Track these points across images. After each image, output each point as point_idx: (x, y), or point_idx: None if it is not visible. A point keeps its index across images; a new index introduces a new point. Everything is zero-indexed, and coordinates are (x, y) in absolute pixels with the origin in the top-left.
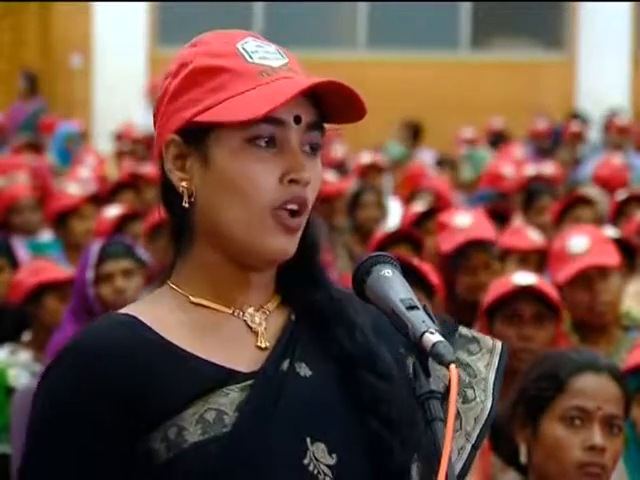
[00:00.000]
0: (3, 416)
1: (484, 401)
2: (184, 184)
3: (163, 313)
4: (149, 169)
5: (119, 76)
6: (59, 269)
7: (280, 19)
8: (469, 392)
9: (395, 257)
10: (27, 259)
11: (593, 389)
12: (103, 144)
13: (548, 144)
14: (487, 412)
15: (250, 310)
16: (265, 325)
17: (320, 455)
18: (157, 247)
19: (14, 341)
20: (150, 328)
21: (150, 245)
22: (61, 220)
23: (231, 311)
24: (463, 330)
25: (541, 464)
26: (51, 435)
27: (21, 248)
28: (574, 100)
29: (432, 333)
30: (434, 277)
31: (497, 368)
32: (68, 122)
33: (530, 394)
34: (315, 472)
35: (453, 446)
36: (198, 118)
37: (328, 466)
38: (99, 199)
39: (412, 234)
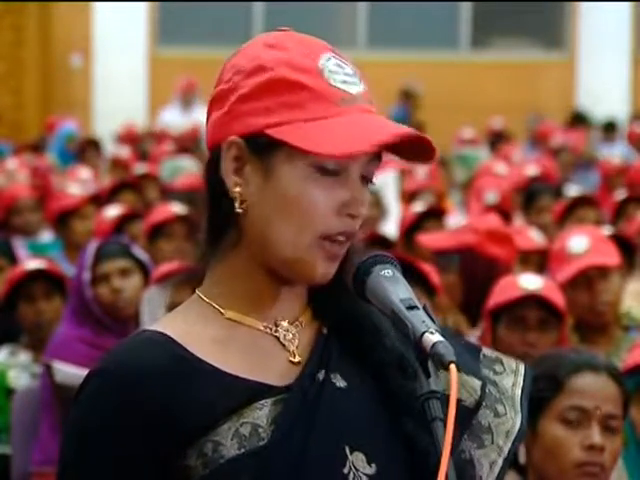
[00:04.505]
0: (3, 417)
1: (514, 417)
2: (238, 189)
3: (194, 328)
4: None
5: (119, 76)
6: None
7: (280, 19)
8: (499, 407)
9: (395, 257)
10: (27, 259)
11: (591, 389)
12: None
13: (554, 143)
14: (517, 427)
15: (284, 324)
16: (298, 339)
17: (359, 464)
18: (157, 248)
19: (14, 341)
20: (181, 345)
21: (150, 246)
22: (62, 220)
23: (264, 327)
24: (486, 351)
25: (540, 464)
26: (85, 460)
27: (21, 248)
28: (574, 100)
29: (432, 333)
30: (434, 277)
31: (523, 387)
32: (68, 122)
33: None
34: None
35: (484, 460)
36: (272, 132)
37: (367, 475)
38: (99, 199)
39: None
